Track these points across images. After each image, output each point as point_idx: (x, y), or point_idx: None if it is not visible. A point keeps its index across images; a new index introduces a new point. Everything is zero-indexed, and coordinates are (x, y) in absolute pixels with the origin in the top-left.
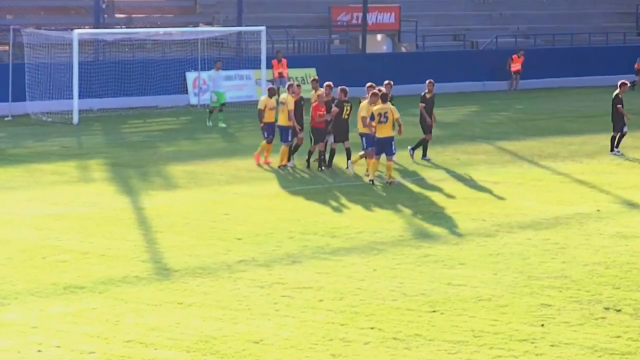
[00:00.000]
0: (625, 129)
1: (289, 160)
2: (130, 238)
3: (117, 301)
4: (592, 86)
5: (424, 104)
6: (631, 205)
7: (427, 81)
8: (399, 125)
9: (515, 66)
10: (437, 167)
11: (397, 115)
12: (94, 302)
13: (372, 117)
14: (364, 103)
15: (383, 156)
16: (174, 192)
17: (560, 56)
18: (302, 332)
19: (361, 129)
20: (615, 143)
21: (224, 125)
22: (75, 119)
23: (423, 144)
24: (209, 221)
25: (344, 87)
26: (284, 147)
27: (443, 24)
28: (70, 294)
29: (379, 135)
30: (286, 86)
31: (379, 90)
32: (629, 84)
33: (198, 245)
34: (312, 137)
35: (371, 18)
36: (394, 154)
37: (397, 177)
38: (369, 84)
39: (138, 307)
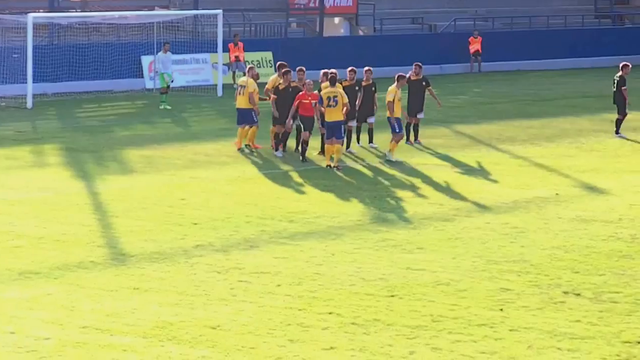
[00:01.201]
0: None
1: (277, 149)
2: (86, 223)
3: (72, 287)
4: (551, 69)
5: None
6: (590, 189)
7: (414, 64)
8: (347, 110)
9: (474, 47)
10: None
11: (346, 99)
12: (50, 287)
13: (321, 101)
14: (392, 87)
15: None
16: (130, 177)
17: (519, 39)
18: (260, 318)
19: (389, 113)
20: (620, 126)
21: (168, 107)
22: (30, 104)
23: (410, 128)
24: (166, 206)
25: (326, 71)
26: (240, 130)
27: (401, 7)
28: (25, 280)
29: (328, 119)
30: (246, 70)
31: (333, 74)
32: (630, 66)
33: (155, 230)
34: (302, 125)
35: (329, 1)
36: (342, 137)
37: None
38: (399, 73)
39: (94, 292)
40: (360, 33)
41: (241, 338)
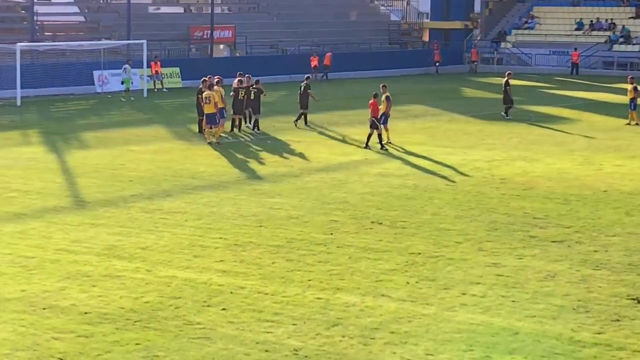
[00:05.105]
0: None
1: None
2: (58, 181)
3: (49, 223)
4: (364, 77)
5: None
6: (388, 155)
7: (246, 75)
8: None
9: (313, 63)
10: (260, 133)
11: (217, 98)
12: (34, 223)
13: (209, 100)
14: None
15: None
16: (86, 151)
17: (342, 58)
18: (174, 241)
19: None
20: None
21: (132, 99)
22: (19, 102)
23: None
24: (111, 169)
25: (248, 75)
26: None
27: (264, 37)
28: (18, 219)
29: (206, 111)
30: (215, 81)
31: (210, 82)
32: (512, 74)
33: (103, 185)
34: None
35: (216, 34)
36: (217, 123)
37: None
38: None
39: (63, 227)
40: (237, 54)
41: (162, 255)
